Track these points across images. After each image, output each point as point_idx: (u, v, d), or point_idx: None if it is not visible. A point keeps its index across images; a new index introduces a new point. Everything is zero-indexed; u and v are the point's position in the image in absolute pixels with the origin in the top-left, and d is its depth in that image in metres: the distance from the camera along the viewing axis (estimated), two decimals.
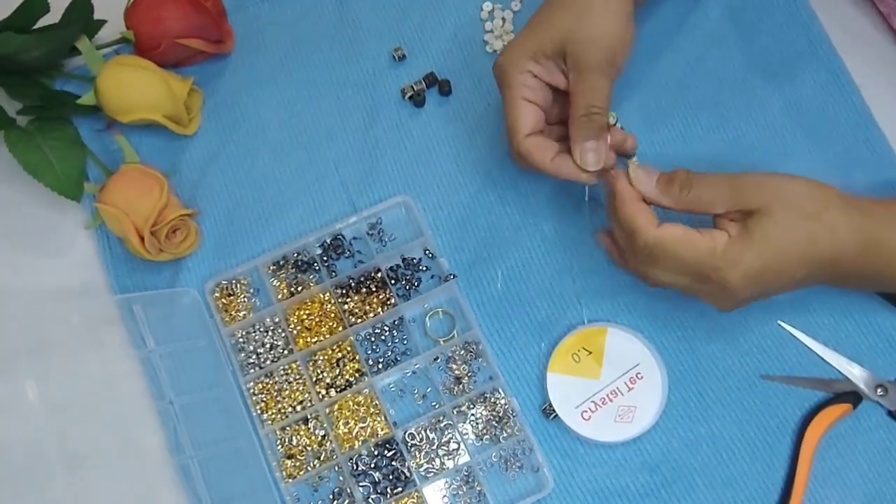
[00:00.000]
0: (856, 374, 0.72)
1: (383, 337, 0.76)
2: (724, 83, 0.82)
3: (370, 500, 0.72)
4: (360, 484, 0.72)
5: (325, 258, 0.78)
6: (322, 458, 0.73)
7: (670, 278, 0.65)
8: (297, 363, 0.75)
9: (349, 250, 0.79)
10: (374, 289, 0.77)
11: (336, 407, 0.74)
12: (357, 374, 0.75)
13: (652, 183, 0.66)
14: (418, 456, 0.73)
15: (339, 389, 0.74)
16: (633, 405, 0.71)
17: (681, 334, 0.74)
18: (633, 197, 0.65)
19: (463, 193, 0.80)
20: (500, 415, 0.73)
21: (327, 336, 0.76)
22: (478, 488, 0.72)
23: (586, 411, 0.72)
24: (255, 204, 0.81)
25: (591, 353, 0.73)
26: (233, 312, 0.77)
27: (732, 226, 0.63)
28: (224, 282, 0.78)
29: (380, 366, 0.75)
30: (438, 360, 0.75)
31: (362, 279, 0.77)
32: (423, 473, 0.72)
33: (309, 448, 0.74)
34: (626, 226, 0.65)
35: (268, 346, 0.76)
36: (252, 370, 0.75)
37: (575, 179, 0.69)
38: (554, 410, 0.72)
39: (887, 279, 0.67)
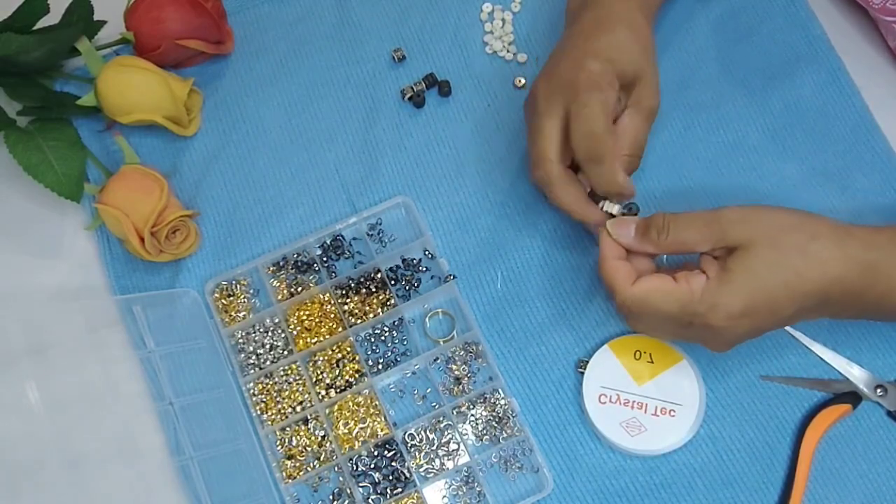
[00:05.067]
0: (855, 374, 0.72)
1: (383, 338, 0.76)
2: (725, 84, 0.82)
3: (370, 500, 0.72)
4: (360, 484, 0.72)
5: (324, 259, 0.78)
6: (322, 459, 0.73)
7: (656, 330, 0.66)
8: (297, 364, 0.75)
9: (349, 251, 0.79)
10: (373, 289, 0.77)
11: (336, 407, 0.74)
12: (357, 375, 0.75)
13: (630, 233, 0.66)
14: (418, 456, 0.73)
15: (338, 390, 0.74)
16: (646, 428, 0.71)
17: None
18: (612, 255, 0.65)
19: (463, 194, 0.80)
20: (500, 415, 0.73)
21: (327, 337, 0.76)
22: (478, 489, 0.72)
23: (604, 396, 0.72)
24: (255, 205, 0.81)
25: (653, 363, 0.73)
26: (233, 313, 0.77)
27: (712, 266, 0.62)
28: (224, 282, 0.78)
29: (380, 366, 0.75)
30: (438, 361, 0.75)
31: (362, 280, 0.77)
32: (422, 474, 0.72)
33: (309, 449, 0.74)
34: (606, 285, 0.65)
35: (268, 346, 0.76)
36: (252, 371, 0.75)
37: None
38: (585, 369, 0.73)
39: (887, 308, 0.64)
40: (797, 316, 0.63)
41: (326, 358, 0.75)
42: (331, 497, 0.72)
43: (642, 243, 0.65)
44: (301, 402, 0.74)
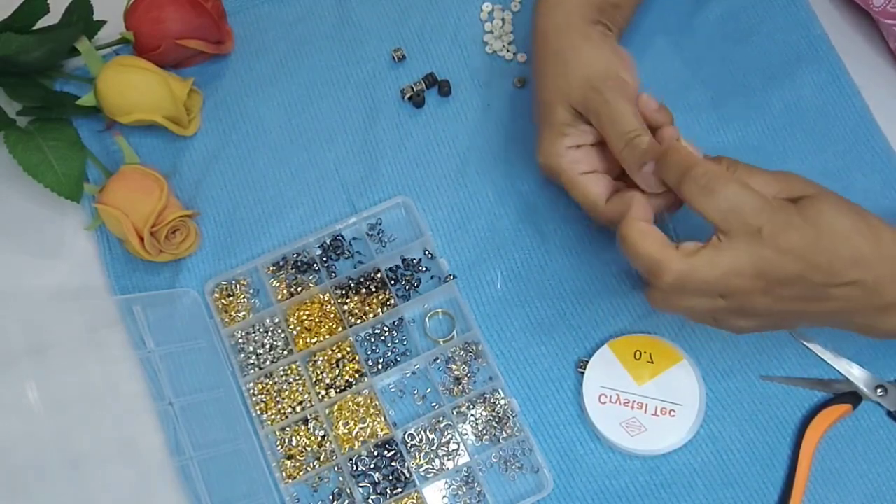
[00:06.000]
0: (856, 374, 0.72)
1: (383, 337, 0.76)
2: (725, 85, 0.82)
3: (370, 500, 0.72)
4: (360, 484, 0.72)
5: (324, 259, 0.78)
6: (322, 459, 0.73)
7: (704, 302, 0.60)
8: (297, 364, 0.75)
9: (349, 251, 0.79)
10: (373, 289, 0.77)
11: (336, 407, 0.74)
12: (357, 375, 0.75)
13: (700, 153, 0.62)
14: (418, 456, 0.73)
15: (338, 390, 0.74)
16: (646, 428, 0.71)
17: (680, 334, 0.74)
18: (648, 230, 0.60)
19: (463, 194, 0.80)
20: (500, 415, 0.73)
21: (327, 337, 0.76)
22: (477, 489, 0.71)
23: (604, 396, 0.72)
24: (254, 205, 0.81)
25: (653, 363, 0.73)
26: (232, 313, 0.77)
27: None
28: (224, 282, 0.78)
29: (379, 366, 0.75)
30: (438, 361, 0.75)
31: (362, 280, 0.77)
32: (422, 474, 0.72)
33: (309, 449, 0.73)
34: (646, 264, 0.60)
35: (267, 346, 0.76)
36: (252, 371, 0.75)
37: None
38: (585, 369, 0.73)
39: None
40: (840, 294, 0.59)
41: (326, 358, 0.75)
42: (331, 497, 0.72)
43: (710, 163, 0.60)
44: (301, 402, 0.74)
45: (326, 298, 0.77)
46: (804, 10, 0.84)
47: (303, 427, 0.74)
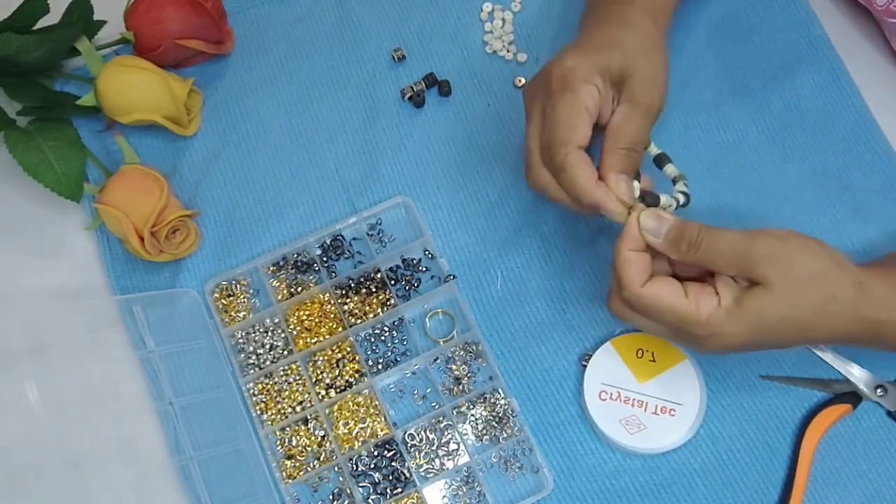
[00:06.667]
0: (855, 374, 0.72)
1: (383, 337, 0.76)
2: (725, 85, 0.82)
3: (370, 500, 0.72)
4: (360, 484, 0.72)
5: (324, 259, 0.78)
6: (322, 459, 0.73)
7: (645, 329, 0.64)
8: (297, 364, 0.75)
9: (349, 251, 0.79)
10: (373, 289, 0.77)
11: (336, 407, 0.74)
12: (357, 375, 0.75)
13: (661, 232, 0.62)
14: (418, 456, 0.73)
15: (338, 390, 0.74)
16: (646, 426, 0.71)
17: None
18: (630, 245, 0.62)
19: (463, 193, 0.80)
20: (500, 415, 0.73)
21: (327, 337, 0.76)
22: (478, 489, 0.71)
23: (605, 392, 0.72)
24: (254, 205, 0.81)
25: (655, 361, 0.73)
26: (232, 313, 0.77)
27: (727, 294, 0.60)
28: (224, 282, 0.78)
29: (379, 366, 0.75)
30: (438, 361, 0.75)
31: (362, 280, 0.77)
32: (422, 474, 0.72)
33: (309, 449, 0.73)
34: (616, 271, 0.62)
35: (267, 346, 0.76)
36: (252, 371, 0.75)
37: (606, 208, 0.63)
38: (587, 363, 0.73)
39: (880, 348, 0.65)
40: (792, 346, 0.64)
41: (326, 358, 0.75)
42: (331, 497, 0.72)
43: (668, 250, 0.62)
44: (301, 402, 0.74)
45: (326, 298, 0.77)
46: (804, 10, 0.84)
47: (303, 427, 0.74)
